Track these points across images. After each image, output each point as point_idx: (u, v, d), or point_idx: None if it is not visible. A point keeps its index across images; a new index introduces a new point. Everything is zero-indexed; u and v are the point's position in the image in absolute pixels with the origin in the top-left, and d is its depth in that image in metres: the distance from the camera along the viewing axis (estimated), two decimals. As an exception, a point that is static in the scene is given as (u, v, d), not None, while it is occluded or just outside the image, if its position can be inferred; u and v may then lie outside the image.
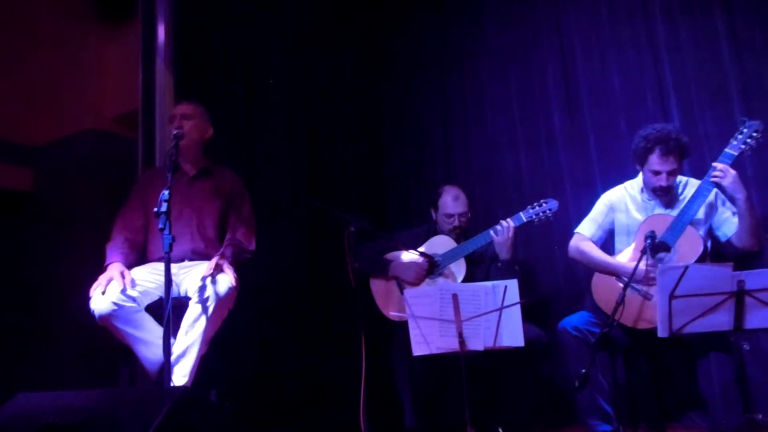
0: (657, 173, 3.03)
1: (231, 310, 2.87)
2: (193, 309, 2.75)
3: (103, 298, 2.69)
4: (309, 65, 4.48)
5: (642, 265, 2.81)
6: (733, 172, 2.87)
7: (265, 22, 4.25)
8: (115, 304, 2.68)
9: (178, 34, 3.75)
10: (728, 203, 3.02)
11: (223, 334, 2.87)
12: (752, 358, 2.59)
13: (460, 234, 3.58)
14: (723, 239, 3.04)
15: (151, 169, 3.49)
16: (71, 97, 4.74)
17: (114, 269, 2.81)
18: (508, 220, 3.38)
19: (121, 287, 2.73)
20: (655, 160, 3.02)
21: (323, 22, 4.65)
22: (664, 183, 3.03)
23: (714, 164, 2.92)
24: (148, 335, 2.76)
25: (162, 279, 2.59)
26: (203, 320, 2.73)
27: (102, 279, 2.77)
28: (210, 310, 2.73)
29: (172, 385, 2.59)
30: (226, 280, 2.81)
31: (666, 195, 3.11)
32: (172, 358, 2.65)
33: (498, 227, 3.37)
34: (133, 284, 2.78)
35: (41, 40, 4.75)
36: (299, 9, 4.49)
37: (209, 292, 2.74)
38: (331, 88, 4.64)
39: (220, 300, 2.76)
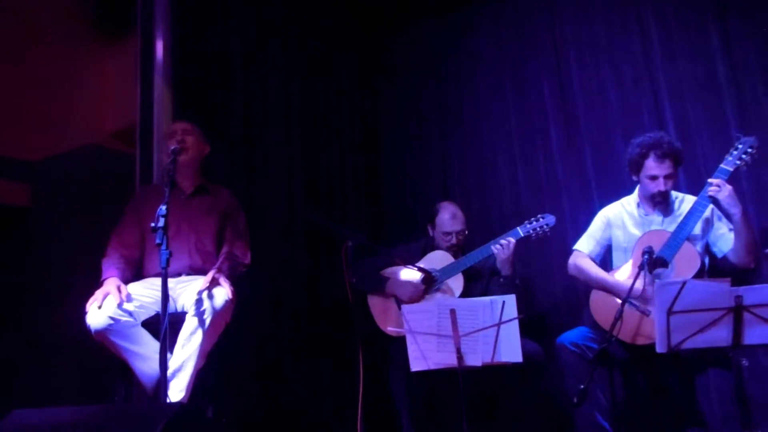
0: (654, 178, 3.05)
1: (228, 325, 2.87)
2: (190, 323, 2.74)
3: (99, 312, 2.68)
4: (307, 81, 4.49)
5: (639, 283, 2.81)
6: (728, 186, 2.89)
7: (263, 38, 4.27)
8: (111, 318, 2.67)
9: (176, 50, 3.76)
10: (724, 219, 3.03)
11: (220, 349, 2.86)
12: (751, 374, 2.57)
13: (458, 250, 3.58)
14: (719, 255, 3.05)
15: (147, 187, 3.49)
16: (69, 112, 4.75)
17: (110, 284, 2.81)
18: (509, 237, 3.39)
19: (118, 301, 2.72)
20: (651, 165, 3.04)
21: (321, 38, 4.68)
22: (662, 187, 3.04)
23: (710, 180, 2.94)
24: (145, 350, 2.75)
25: (159, 294, 2.59)
26: (200, 334, 2.72)
27: (98, 294, 2.76)
28: (207, 323, 2.72)
29: (168, 400, 2.58)
30: (223, 293, 2.80)
31: (664, 202, 3.12)
32: (169, 372, 2.64)
33: (498, 245, 3.37)
34: (130, 298, 2.77)
35: (39, 55, 4.76)
36: (297, 25, 4.51)
37: (206, 305, 2.74)
38: (328, 102, 4.66)
39: (216, 313, 2.75)
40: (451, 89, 4.67)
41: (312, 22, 4.63)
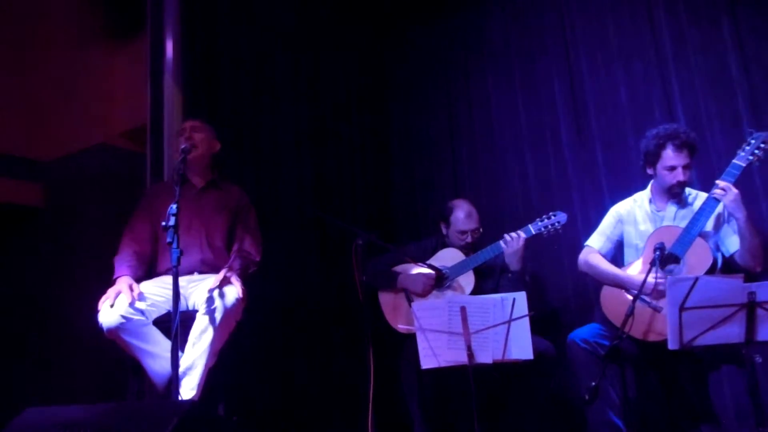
0: (673, 168, 3.03)
1: (239, 323, 2.87)
2: (201, 321, 2.75)
3: (111, 311, 2.70)
4: (316, 79, 4.50)
5: (651, 278, 2.79)
6: (734, 191, 2.86)
7: (272, 37, 4.28)
8: (123, 317, 2.69)
9: (186, 49, 3.78)
10: (733, 221, 3.00)
11: (231, 347, 2.87)
12: (765, 371, 2.56)
13: (469, 247, 3.57)
14: (726, 255, 3.02)
15: (159, 183, 3.51)
16: (80, 112, 4.78)
17: (122, 282, 2.83)
18: (518, 231, 3.38)
19: (130, 300, 2.73)
20: (669, 155, 3.02)
21: (329, 36, 4.68)
22: (681, 177, 3.02)
23: (717, 182, 2.92)
24: (156, 348, 2.77)
25: (170, 292, 2.60)
26: (210, 332, 2.73)
27: (110, 292, 2.78)
28: (217, 321, 2.74)
29: (180, 398, 2.59)
30: (234, 292, 2.81)
31: (680, 195, 3.10)
32: (180, 371, 2.65)
33: (507, 238, 3.36)
34: (141, 297, 2.79)
35: (50, 56, 4.80)
36: (306, 24, 4.52)
37: (217, 304, 2.75)
38: (338, 101, 4.67)
39: (227, 312, 2.76)
40: (461, 88, 4.65)
41: (321, 20, 4.64)
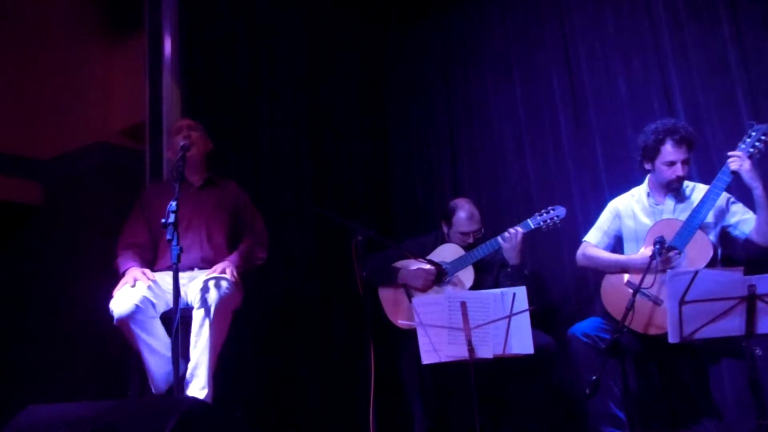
0: (672, 164, 3.03)
1: (240, 320, 2.87)
2: (197, 316, 2.75)
3: (126, 297, 2.71)
4: (314, 76, 4.49)
5: (650, 274, 2.79)
6: (748, 160, 2.86)
7: (270, 34, 4.27)
8: (136, 305, 2.69)
9: (184, 47, 3.77)
10: (740, 204, 3.00)
11: (232, 343, 2.87)
12: (765, 364, 2.56)
13: (470, 244, 3.56)
14: (742, 238, 3.01)
15: (154, 183, 3.51)
16: (79, 110, 4.78)
17: (135, 271, 2.85)
18: (516, 227, 3.38)
19: (147, 284, 2.76)
20: (669, 150, 3.02)
21: (328, 33, 4.67)
22: (680, 172, 3.02)
23: (730, 153, 2.91)
24: (159, 345, 2.77)
25: (170, 289, 2.60)
26: (207, 326, 2.72)
27: (128, 278, 2.80)
28: (212, 313, 2.73)
29: (185, 395, 2.59)
30: (225, 281, 2.81)
31: (680, 189, 3.10)
32: (188, 374, 2.67)
33: (506, 234, 3.36)
34: (156, 283, 2.81)
35: (49, 54, 4.79)
36: (305, 21, 4.51)
37: (209, 294, 2.75)
38: (336, 97, 4.66)
39: (221, 300, 2.75)
40: (460, 83, 4.65)
41: (319, 17, 4.63)
